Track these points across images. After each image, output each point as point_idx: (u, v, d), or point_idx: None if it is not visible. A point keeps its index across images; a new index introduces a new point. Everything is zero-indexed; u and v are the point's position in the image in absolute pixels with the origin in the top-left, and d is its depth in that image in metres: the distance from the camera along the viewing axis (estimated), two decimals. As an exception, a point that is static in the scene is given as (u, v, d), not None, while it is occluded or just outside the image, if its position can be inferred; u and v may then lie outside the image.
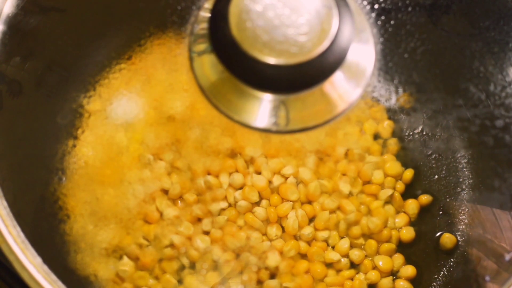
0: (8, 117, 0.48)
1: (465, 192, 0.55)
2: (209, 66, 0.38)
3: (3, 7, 0.46)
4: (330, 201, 0.54)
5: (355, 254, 0.54)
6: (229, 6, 0.35)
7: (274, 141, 0.55)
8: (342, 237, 0.54)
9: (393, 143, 0.56)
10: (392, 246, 0.54)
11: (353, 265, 0.54)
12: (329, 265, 0.54)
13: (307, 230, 0.54)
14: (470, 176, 0.55)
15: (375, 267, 0.54)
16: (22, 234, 0.43)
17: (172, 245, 0.52)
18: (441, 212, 0.55)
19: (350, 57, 0.36)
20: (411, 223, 0.55)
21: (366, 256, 0.54)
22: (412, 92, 0.53)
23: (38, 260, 0.42)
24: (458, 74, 0.50)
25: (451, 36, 0.50)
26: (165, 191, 0.54)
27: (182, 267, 0.53)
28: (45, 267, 0.42)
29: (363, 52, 0.38)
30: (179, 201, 0.54)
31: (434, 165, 0.56)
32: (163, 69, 0.51)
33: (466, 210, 0.54)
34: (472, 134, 0.52)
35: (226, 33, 0.35)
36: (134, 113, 0.52)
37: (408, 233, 0.55)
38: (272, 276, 0.53)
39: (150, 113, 0.52)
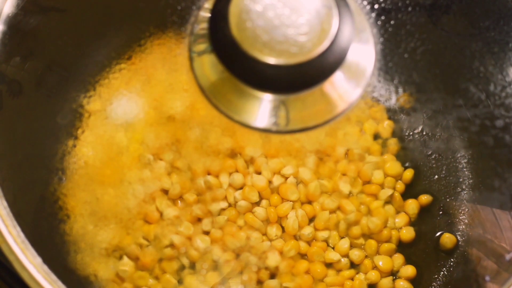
0: (8, 117, 0.48)
1: (465, 192, 0.55)
2: (209, 66, 0.38)
3: (3, 7, 0.46)
4: (330, 201, 0.54)
5: (355, 254, 0.54)
6: (229, 6, 0.35)
7: (274, 141, 0.55)
8: (342, 237, 0.54)
9: (393, 143, 0.56)
10: (392, 246, 0.54)
11: (353, 265, 0.54)
12: (329, 265, 0.54)
13: (307, 230, 0.54)
14: (470, 176, 0.55)
15: (375, 267, 0.54)
16: (22, 234, 0.43)
17: (172, 245, 0.52)
18: (441, 212, 0.55)
19: (350, 57, 0.36)
20: (411, 223, 0.55)
21: (366, 256, 0.54)
22: (412, 92, 0.53)
23: (38, 260, 0.42)
24: (458, 74, 0.50)
25: (451, 36, 0.50)
26: (165, 191, 0.54)
27: (182, 267, 0.53)
28: (45, 267, 0.42)
29: (363, 52, 0.38)
30: (179, 201, 0.54)
31: (434, 165, 0.56)
32: (163, 69, 0.51)
33: (466, 210, 0.54)
34: (472, 134, 0.52)
35: (226, 33, 0.35)
36: (134, 113, 0.52)
37: (408, 233, 0.55)
38: (272, 276, 0.53)
39: (150, 113, 0.52)
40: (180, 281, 0.53)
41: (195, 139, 0.53)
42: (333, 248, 0.54)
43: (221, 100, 0.38)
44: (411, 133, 0.56)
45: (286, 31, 0.35)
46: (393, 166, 0.56)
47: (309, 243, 0.54)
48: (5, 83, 0.48)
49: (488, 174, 0.53)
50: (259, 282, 0.53)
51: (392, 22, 0.44)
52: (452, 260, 0.54)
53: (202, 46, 0.38)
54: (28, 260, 0.42)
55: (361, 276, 0.54)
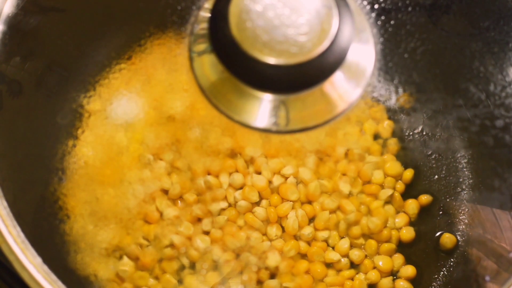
0: (8, 117, 0.48)
1: (465, 192, 0.55)
2: (209, 66, 0.38)
3: (3, 7, 0.46)
4: (330, 201, 0.54)
5: (355, 254, 0.54)
6: (229, 6, 0.35)
7: (274, 141, 0.55)
8: (342, 237, 0.54)
9: (393, 143, 0.56)
10: (392, 246, 0.54)
11: (353, 265, 0.54)
12: (329, 265, 0.54)
13: (307, 230, 0.54)
14: (470, 176, 0.55)
15: (375, 267, 0.54)
16: (22, 234, 0.43)
17: (172, 245, 0.52)
18: (441, 212, 0.55)
19: (350, 57, 0.36)
20: (411, 223, 0.55)
21: (366, 256, 0.54)
22: (412, 92, 0.53)
23: (38, 260, 0.42)
24: (458, 74, 0.50)
25: (451, 36, 0.50)
26: (165, 191, 0.54)
27: (182, 267, 0.53)
28: (45, 267, 0.42)
29: (363, 52, 0.38)
30: (179, 201, 0.54)
31: (434, 165, 0.56)
32: (163, 69, 0.51)
33: (466, 210, 0.54)
34: (472, 134, 0.52)
35: (226, 33, 0.35)
36: (134, 113, 0.52)
37: (408, 233, 0.55)
38: (272, 276, 0.53)
39: (150, 113, 0.52)
40: (180, 281, 0.53)
41: (195, 139, 0.53)
42: (333, 248, 0.54)
43: (221, 100, 0.38)
44: (411, 133, 0.56)
45: (286, 31, 0.35)
46: (393, 166, 0.56)
47: (309, 243, 0.54)
48: (5, 83, 0.48)
49: (488, 174, 0.53)
50: (259, 282, 0.53)
51: (392, 22, 0.44)
52: (452, 260, 0.54)
53: (202, 46, 0.38)
54: (28, 260, 0.42)
55: (361, 276, 0.54)
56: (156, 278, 0.52)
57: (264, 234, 0.54)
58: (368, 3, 0.41)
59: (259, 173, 0.55)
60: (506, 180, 0.49)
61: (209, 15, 0.36)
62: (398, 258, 0.54)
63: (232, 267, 0.52)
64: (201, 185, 0.54)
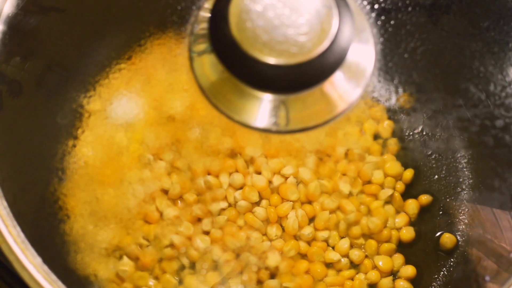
0: (8, 117, 0.48)
1: (465, 192, 0.55)
2: (209, 66, 0.38)
3: (3, 7, 0.46)
4: (330, 201, 0.54)
5: (355, 254, 0.54)
6: (229, 6, 0.35)
7: (274, 141, 0.55)
8: (342, 237, 0.54)
9: (393, 143, 0.56)
10: (392, 246, 0.54)
11: (353, 265, 0.54)
12: (329, 265, 0.54)
13: (307, 230, 0.54)
14: (470, 176, 0.55)
15: (375, 267, 0.54)
16: (22, 234, 0.43)
17: (172, 245, 0.52)
18: (441, 212, 0.55)
19: (350, 57, 0.36)
20: (411, 223, 0.55)
21: (366, 256, 0.54)
22: (412, 92, 0.53)
23: (38, 260, 0.42)
24: (458, 74, 0.50)
25: (451, 36, 0.50)
26: (165, 191, 0.54)
27: (182, 267, 0.53)
28: (45, 267, 0.42)
29: (363, 52, 0.38)
30: (179, 201, 0.54)
31: (434, 165, 0.56)
32: (163, 69, 0.51)
33: (466, 210, 0.54)
34: (472, 134, 0.52)
35: (226, 33, 0.35)
36: (134, 113, 0.52)
37: (408, 233, 0.55)
38: (272, 276, 0.53)
39: (150, 113, 0.52)
40: (180, 281, 0.53)
41: (195, 139, 0.53)
42: (333, 248, 0.54)
43: (221, 100, 0.38)
44: (411, 133, 0.56)
45: (286, 31, 0.35)
46: (393, 166, 0.56)
47: (309, 243, 0.54)
48: (5, 83, 0.48)
49: (488, 174, 0.53)
50: (259, 282, 0.53)
51: (392, 22, 0.44)
52: (452, 260, 0.54)
53: (202, 46, 0.38)
54: (28, 260, 0.42)
55: (361, 276, 0.54)
56: (156, 278, 0.52)
57: (264, 234, 0.54)
58: (368, 3, 0.41)
59: (259, 173, 0.55)
60: (506, 180, 0.49)
61: (209, 15, 0.36)
62: (398, 258, 0.54)
63: (232, 267, 0.52)
64: (201, 185, 0.54)
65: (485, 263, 0.51)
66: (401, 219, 0.55)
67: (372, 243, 0.54)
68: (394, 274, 0.54)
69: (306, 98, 0.37)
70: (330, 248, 0.54)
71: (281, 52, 0.35)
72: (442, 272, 0.54)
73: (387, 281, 0.54)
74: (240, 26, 0.35)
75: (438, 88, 0.52)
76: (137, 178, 0.52)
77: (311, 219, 0.55)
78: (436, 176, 0.56)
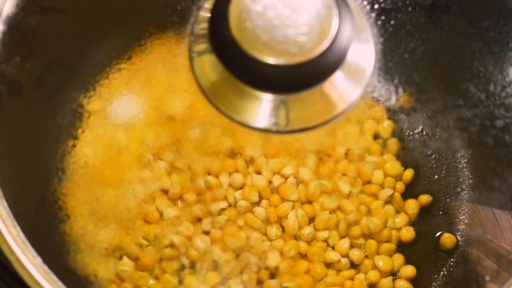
0: (8, 117, 0.48)
1: (465, 192, 0.55)
2: (209, 66, 0.38)
3: (3, 7, 0.46)
4: (330, 201, 0.54)
5: (355, 254, 0.54)
6: (229, 6, 0.35)
7: (274, 141, 0.55)
8: (342, 237, 0.54)
9: (393, 143, 0.56)
10: (392, 246, 0.54)
11: (353, 265, 0.54)
12: (329, 265, 0.54)
13: (307, 230, 0.54)
14: (470, 176, 0.55)
15: (375, 267, 0.54)
16: (22, 234, 0.43)
17: (172, 245, 0.52)
18: (441, 212, 0.55)
19: (350, 57, 0.36)
20: (411, 223, 0.55)
21: (366, 256, 0.54)
22: (412, 92, 0.53)
23: (38, 260, 0.42)
24: (458, 74, 0.50)
25: (451, 36, 0.50)
26: (165, 191, 0.54)
27: (182, 267, 0.53)
28: (45, 267, 0.42)
29: (363, 52, 0.38)
30: (179, 201, 0.54)
31: (434, 165, 0.56)
32: (163, 69, 0.51)
33: (466, 210, 0.54)
34: (472, 134, 0.52)
35: (226, 33, 0.35)
36: (134, 113, 0.52)
37: (408, 233, 0.55)
38: (272, 276, 0.53)
39: (150, 113, 0.52)
40: (180, 281, 0.53)
41: (195, 139, 0.53)
42: (333, 248, 0.54)
43: (221, 100, 0.38)
44: (411, 133, 0.56)
45: (286, 31, 0.35)
46: (393, 166, 0.56)
47: (309, 243, 0.54)
48: (5, 83, 0.48)
49: (488, 174, 0.53)
50: (259, 282, 0.53)
51: (392, 22, 0.44)
52: (452, 260, 0.54)
53: (202, 46, 0.38)
54: (28, 260, 0.42)
55: (361, 276, 0.54)
56: (156, 278, 0.52)
57: (264, 234, 0.54)
58: (368, 3, 0.41)
59: (259, 173, 0.55)
60: (506, 180, 0.49)
61: (209, 15, 0.36)
62: (398, 258, 0.54)
63: (232, 267, 0.52)
64: (201, 185, 0.54)
65: (485, 263, 0.51)
66: (401, 219, 0.55)
67: (372, 243, 0.54)
68: (394, 274, 0.54)
69: (306, 98, 0.37)
70: (330, 248, 0.54)
71: (281, 52, 0.35)
72: (442, 272, 0.54)
73: (387, 281, 0.54)
74: (240, 26, 0.35)
75: (438, 88, 0.52)
76: (137, 178, 0.52)
77: (311, 219, 0.55)
78: (436, 176, 0.56)
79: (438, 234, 0.55)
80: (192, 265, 0.53)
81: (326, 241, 0.54)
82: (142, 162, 0.53)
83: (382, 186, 0.55)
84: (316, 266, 0.53)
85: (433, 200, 0.55)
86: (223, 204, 0.54)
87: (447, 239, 0.54)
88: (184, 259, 0.53)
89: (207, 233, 0.53)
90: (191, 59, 0.38)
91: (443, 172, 0.55)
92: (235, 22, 0.35)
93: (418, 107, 0.55)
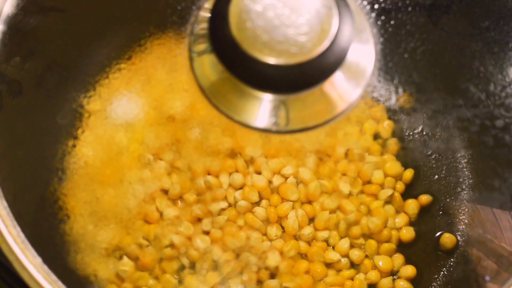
0: (8, 117, 0.48)
1: (465, 192, 0.55)
2: (209, 66, 0.38)
3: (3, 7, 0.46)
4: (330, 201, 0.54)
5: (355, 254, 0.54)
6: (229, 6, 0.35)
7: (274, 141, 0.55)
8: (342, 237, 0.54)
9: (393, 143, 0.56)
10: (392, 246, 0.54)
11: (353, 265, 0.54)
12: (329, 265, 0.54)
13: (307, 230, 0.54)
14: (470, 176, 0.55)
15: (375, 267, 0.54)
16: (22, 234, 0.43)
17: (172, 245, 0.52)
18: (441, 212, 0.55)
19: (350, 57, 0.36)
20: (411, 223, 0.55)
21: (366, 256, 0.54)
22: (412, 92, 0.53)
23: (38, 260, 0.42)
24: (458, 74, 0.50)
25: (451, 36, 0.50)
26: (165, 191, 0.54)
27: (182, 267, 0.53)
28: (45, 267, 0.42)
29: (363, 52, 0.38)
30: (179, 201, 0.54)
31: (434, 165, 0.56)
32: (163, 69, 0.51)
33: (466, 210, 0.54)
34: (472, 134, 0.52)
35: (226, 33, 0.35)
36: (134, 113, 0.52)
37: (408, 233, 0.55)
38: (272, 276, 0.53)
39: (150, 113, 0.52)
40: (180, 281, 0.53)
41: (195, 139, 0.53)
42: (333, 248, 0.54)
43: (221, 100, 0.38)
44: (411, 133, 0.56)
45: (286, 31, 0.35)
46: (393, 166, 0.56)
47: (309, 243, 0.54)
48: (5, 83, 0.48)
49: (488, 174, 0.53)
50: (259, 282, 0.53)
51: (392, 22, 0.44)
52: (452, 260, 0.54)
53: (202, 46, 0.38)
54: (28, 260, 0.42)
55: (361, 276, 0.54)
56: (156, 278, 0.52)
57: (264, 234, 0.54)
58: (368, 3, 0.41)
59: (259, 173, 0.55)
60: (506, 180, 0.49)
61: (209, 15, 0.36)
62: (398, 258, 0.54)
63: (232, 267, 0.52)
64: (201, 185, 0.54)
65: (485, 263, 0.51)
66: (401, 219, 0.55)
67: (372, 243, 0.54)
68: (394, 274, 0.54)
69: (306, 98, 0.37)
70: (330, 248, 0.54)
71: (281, 52, 0.35)
72: (442, 272, 0.54)
73: (387, 281, 0.54)
74: (240, 26, 0.35)
75: (438, 88, 0.52)
76: (137, 178, 0.52)
77: (311, 219, 0.55)
78: (436, 176, 0.56)
79: (438, 234, 0.55)
80: (192, 265, 0.53)
81: (326, 241, 0.54)
82: (142, 162, 0.53)
83: (382, 186, 0.55)
84: (316, 266, 0.53)
85: (433, 200, 0.55)
86: (223, 204, 0.54)
87: (447, 239, 0.54)
88: (184, 259, 0.53)
89: (207, 233, 0.53)
90: (191, 59, 0.38)
91: (443, 172, 0.55)
92: (235, 22, 0.35)
93: (418, 107, 0.55)
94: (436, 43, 0.49)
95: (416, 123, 0.56)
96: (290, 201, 0.54)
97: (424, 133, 0.56)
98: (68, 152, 0.51)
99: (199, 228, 0.53)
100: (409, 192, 0.56)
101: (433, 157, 0.56)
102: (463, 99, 0.51)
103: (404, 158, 0.56)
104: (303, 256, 0.54)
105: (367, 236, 0.54)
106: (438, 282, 0.54)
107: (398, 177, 0.56)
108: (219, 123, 0.52)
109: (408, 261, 0.54)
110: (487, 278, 0.49)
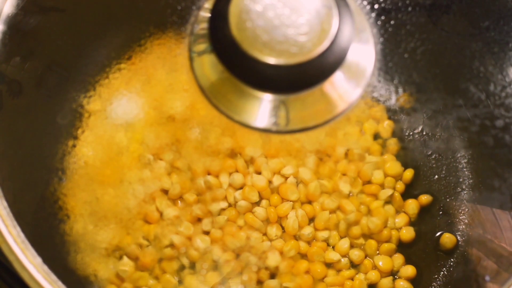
0: (8, 117, 0.48)
1: (465, 192, 0.55)
2: (209, 66, 0.38)
3: (3, 7, 0.46)
4: (330, 201, 0.54)
5: (355, 254, 0.54)
6: (229, 6, 0.35)
7: (274, 141, 0.55)
8: (342, 237, 0.54)
9: (393, 143, 0.56)
10: (392, 246, 0.54)
11: (353, 265, 0.54)
12: (329, 265, 0.54)
13: (307, 230, 0.54)
14: (470, 176, 0.55)
15: (375, 267, 0.54)
16: (22, 234, 0.43)
17: (172, 245, 0.52)
18: (441, 212, 0.55)
19: (350, 57, 0.36)
20: (411, 223, 0.55)
21: (366, 256, 0.54)
22: (412, 92, 0.53)
23: (38, 260, 0.42)
24: (458, 74, 0.50)
25: (451, 36, 0.50)
26: (165, 191, 0.54)
27: (182, 267, 0.53)
28: (45, 267, 0.42)
29: (363, 52, 0.38)
30: (179, 201, 0.54)
31: (434, 165, 0.56)
32: (163, 69, 0.51)
33: (466, 210, 0.54)
34: (472, 134, 0.52)
35: (226, 33, 0.35)
36: (134, 113, 0.52)
37: (408, 233, 0.55)
38: (272, 276, 0.53)
39: (150, 113, 0.52)
40: (180, 281, 0.53)
41: (195, 139, 0.53)
42: (333, 248, 0.54)
43: (221, 100, 0.38)
44: (411, 133, 0.56)
45: (286, 31, 0.35)
46: (393, 166, 0.56)
47: (309, 243, 0.54)
48: (5, 83, 0.48)
49: (488, 174, 0.53)
50: (259, 282, 0.53)
51: (392, 22, 0.44)
52: (452, 260, 0.54)
53: (202, 46, 0.38)
54: (28, 260, 0.42)
55: (361, 276, 0.54)
56: (156, 278, 0.52)
57: (264, 234, 0.54)
58: (368, 3, 0.41)
59: (259, 173, 0.55)
60: (506, 180, 0.49)
61: (209, 15, 0.36)
62: (398, 258, 0.54)
63: (232, 267, 0.52)
64: (201, 185, 0.54)
65: (485, 263, 0.51)
66: (401, 219, 0.55)
67: (372, 243, 0.54)
68: (394, 274, 0.54)
69: (306, 98, 0.37)
70: (330, 248, 0.54)
71: (281, 52, 0.35)
72: (442, 272, 0.54)
73: (387, 281, 0.54)
74: (240, 26, 0.35)
75: (438, 88, 0.52)
76: (137, 178, 0.52)
77: (311, 219, 0.55)
78: (436, 176, 0.56)
79: (438, 234, 0.55)
80: (192, 265, 0.53)
81: (326, 241, 0.54)
82: (142, 162, 0.53)
83: (382, 186, 0.55)
84: (316, 266, 0.53)
85: (433, 200, 0.55)
86: (223, 204, 0.54)
87: (447, 239, 0.54)
88: (184, 259, 0.53)
89: (207, 233, 0.53)
90: (191, 59, 0.38)
91: (443, 172, 0.55)
92: (235, 22, 0.35)
93: (418, 107, 0.55)
94: (436, 43, 0.49)
95: (416, 123, 0.56)
96: (290, 201, 0.54)
97: (424, 133, 0.56)
98: (68, 152, 0.51)
99: (199, 228, 0.53)
100: (409, 192, 0.56)
101: (433, 157, 0.56)
102: (463, 99, 0.51)
103: (404, 158, 0.56)
104: (303, 256, 0.54)
105: (367, 236, 0.54)
106: (438, 282, 0.54)
107: (398, 177, 0.56)
108: (219, 123, 0.52)
109: (408, 261, 0.54)
110: (487, 278, 0.49)
